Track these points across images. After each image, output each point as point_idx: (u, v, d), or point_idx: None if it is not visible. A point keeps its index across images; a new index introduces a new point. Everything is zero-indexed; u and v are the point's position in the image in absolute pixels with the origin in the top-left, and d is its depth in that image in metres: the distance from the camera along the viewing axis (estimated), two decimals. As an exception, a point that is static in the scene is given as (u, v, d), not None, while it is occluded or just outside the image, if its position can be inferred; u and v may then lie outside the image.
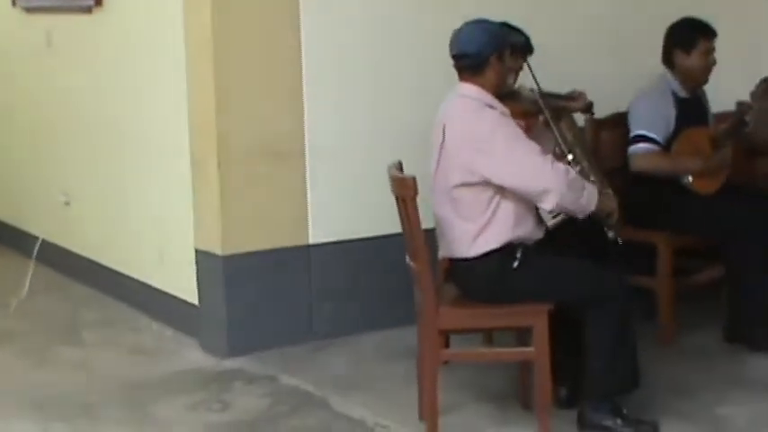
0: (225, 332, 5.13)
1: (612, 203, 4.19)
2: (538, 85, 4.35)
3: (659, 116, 5.09)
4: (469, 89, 4.02)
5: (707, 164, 5.07)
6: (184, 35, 5.21)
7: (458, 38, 4.05)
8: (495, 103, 4.02)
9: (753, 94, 5.08)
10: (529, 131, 4.10)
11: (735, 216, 4.94)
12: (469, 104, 3.99)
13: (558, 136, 4.24)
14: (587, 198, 4.02)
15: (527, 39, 4.61)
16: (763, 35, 6.40)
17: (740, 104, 5.16)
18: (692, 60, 5.14)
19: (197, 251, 5.26)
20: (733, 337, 5.06)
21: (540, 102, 4.31)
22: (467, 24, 4.09)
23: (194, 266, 5.30)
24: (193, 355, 5.21)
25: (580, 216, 4.07)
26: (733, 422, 4.21)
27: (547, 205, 3.96)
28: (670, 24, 5.24)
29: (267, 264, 5.14)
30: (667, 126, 5.10)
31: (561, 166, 3.99)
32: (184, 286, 5.41)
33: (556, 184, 3.89)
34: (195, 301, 5.35)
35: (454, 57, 4.05)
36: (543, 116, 4.29)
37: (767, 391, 4.51)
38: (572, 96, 4.61)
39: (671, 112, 5.12)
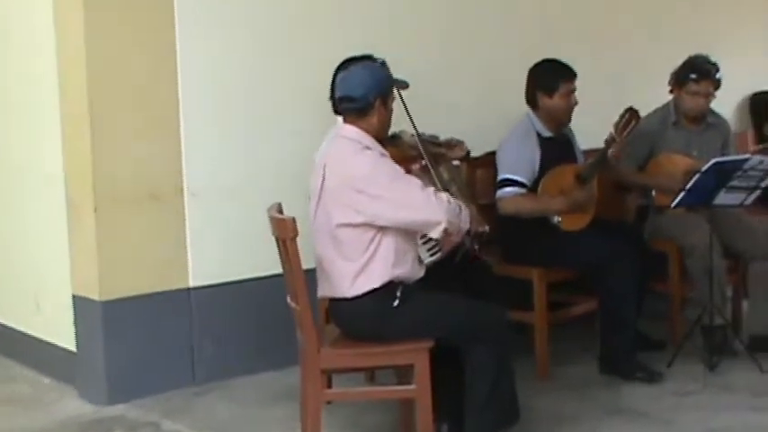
0: (104, 379, 5.04)
1: (479, 221, 4.32)
2: (416, 129, 4.42)
3: (524, 158, 5.21)
4: (350, 131, 4.07)
5: (569, 201, 5.19)
6: (58, 77, 5.15)
7: (344, 80, 4.09)
8: (374, 144, 4.06)
9: (615, 125, 5.19)
10: (408, 174, 4.16)
11: (604, 250, 5.07)
12: (349, 146, 4.03)
13: (435, 179, 4.32)
14: (464, 220, 4.12)
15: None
16: (631, 71, 6.63)
17: (607, 141, 5.32)
18: (554, 102, 5.28)
19: (74, 297, 5.18)
20: (606, 368, 5.19)
21: (420, 147, 4.38)
22: (354, 67, 4.15)
23: (72, 312, 5.21)
24: (72, 404, 5.11)
25: (456, 236, 4.15)
26: (609, 450, 4.33)
27: (434, 234, 4.02)
28: (531, 66, 5.38)
29: (147, 308, 5.08)
30: (533, 167, 5.22)
31: (443, 195, 4.06)
32: (61, 333, 5.32)
33: (441, 215, 3.97)
34: (73, 347, 5.25)
35: (339, 99, 4.10)
36: (422, 161, 4.36)
37: (640, 418, 4.64)
38: (450, 144, 4.68)
39: (536, 153, 5.24)
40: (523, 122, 5.33)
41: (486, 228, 4.45)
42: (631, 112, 5.21)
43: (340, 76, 4.16)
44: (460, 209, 4.10)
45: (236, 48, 5.31)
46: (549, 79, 5.28)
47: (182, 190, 5.16)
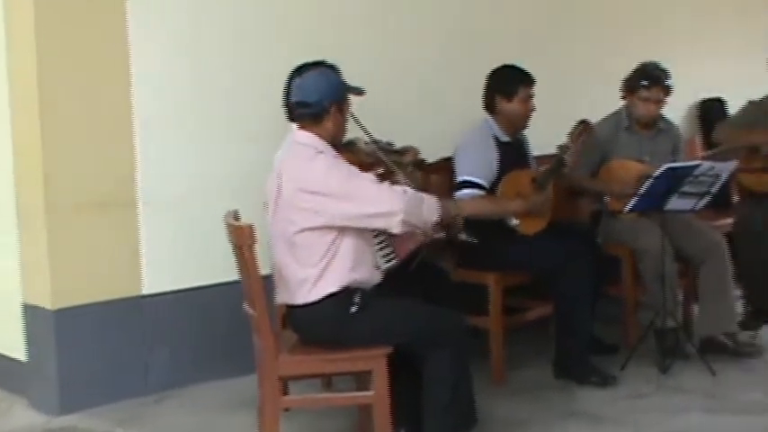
0: (56, 388, 4.97)
1: (454, 208, 4.32)
2: (371, 136, 4.41)
3: (482, 161, 5.25)
4: (304, 137, 4.06)
5: (528, 204, 5.22)
6: (8, 82, 5.08)
7: (299, 86, 4.08)
8: (328, 148, 4.06)
9: (570, 135, 5.31)
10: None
11: (560, 254, 5.12)
12: (303, 152, 4.02)
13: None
14: (428, 210, 4.09)
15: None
16: (579, 81, 6.70)
17: (560, 147, 5.37)
18: (513, 106, 5.33)
19: (25, 306, 5.11)
20: (561, 372, 5.23)
21: (377, 154, 4.38)
22: (309, 72, 4.14)
23: (21, 321, 5.14)
24: (23, 415, 5.03)
25: (422, 228, 4.12)
26: (564, 454, 4.37)
27: (395, 228, 4.00)
28: (491, 71, 5.42)
29: (100, 316, 5.02)
30: (491, 170, 5.26)
31: (398, 187, 4.05)
32: (10, 342, 5.24)
33: (398, 205, 3.95)
34: (22, 357, 5.18)
35: (295, 104, 4.09)
36: (380, 168, 4.36)
37: (594, 422, 4.68)
38: (404, 151, 4.68)
39: (494, 157, 5.29)
40: (481, 126, 5.37)
41: (443, 233, 4.45)
42: (585, 124, 5.33)
43: (295, 81, 4.15)
44: (423, 200, 4.07)
45: (191, 53, 5.27)
46: (509, 83, 5.33)
47: (136, 197, 5.12)
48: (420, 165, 4.90)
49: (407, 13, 6.06)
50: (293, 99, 4.10)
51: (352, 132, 4.37)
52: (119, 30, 5.04)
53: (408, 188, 4.09)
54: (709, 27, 7.58)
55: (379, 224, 4.03)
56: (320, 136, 4.06)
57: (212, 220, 4.29)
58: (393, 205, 3.96)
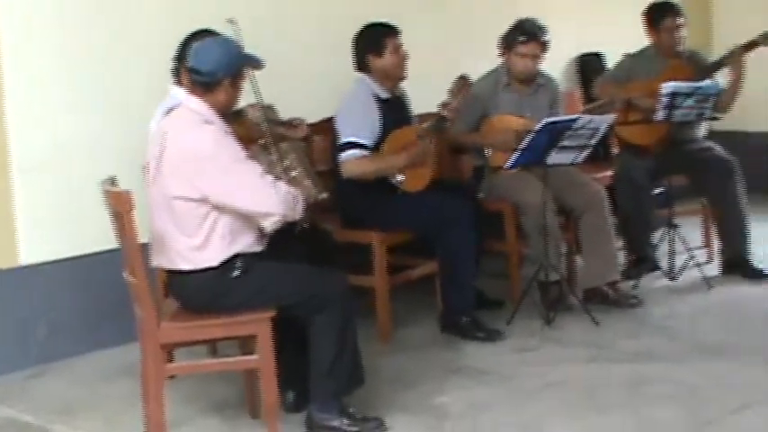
0: (-68, 365, 4.85)
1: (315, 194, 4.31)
2: (263, 107, 4.33)
3: (366, 121, 5.23)
4: (195, 103, 3.99)
5: (411, 155, 5.23)
6: None
7: (196, 51, 4.03)
8: (217, 119, 4.00)
9: (450, 91, 5.30)
10: (248, 151, 4.10)
11: (444, 210, 5.14)
12: (190, 117, 3.96)
13: (276, 159, 4.26)
14: (299, 208, 4.10)
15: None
16: (462, 37, 6.70)
17: (441, 104, 5.37)
18: (385, 60, 5.30)
19: None
20: (447, 329, 5.28)
21: (264, 127, 4.31)
22: (211, 40, 4.10)
23: None
24: None
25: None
26: (451, 409, 4.38)
27: (267, 225, 4.00)
28: (356, 34, 5.38)
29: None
30: (374, 129, 5.24)
31: (282, 187, 4.01)
32: None
33: (277, 208, 3.95)
34: None
35: (189, 69, 4.03)
36: (264, 140, 4.30)
37: (480, 376, 4.73)
38: (293, 124, 4.60)
39: (376, 115, 5.26)
40: (360, 87, 5.33)
41: (325, 194, 4.44)
42: (463, 79, 5.32)
43: (195, 45, 4.07)
44: (297, 200, 4.07)
45: (60, 13, 5.10)
46: (375, 39, 5.31)
47: (9, 164, 4.97)
48: (307, 138, 4.86)
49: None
50: (188, 63, 4.04)
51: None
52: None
53: (290, 188, 4.05)
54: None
55: (252, 217, 4.00)
56: (211, 105, 4.00)
57: (91, 187, 4.18)
58: (272, 207, 3.95)
